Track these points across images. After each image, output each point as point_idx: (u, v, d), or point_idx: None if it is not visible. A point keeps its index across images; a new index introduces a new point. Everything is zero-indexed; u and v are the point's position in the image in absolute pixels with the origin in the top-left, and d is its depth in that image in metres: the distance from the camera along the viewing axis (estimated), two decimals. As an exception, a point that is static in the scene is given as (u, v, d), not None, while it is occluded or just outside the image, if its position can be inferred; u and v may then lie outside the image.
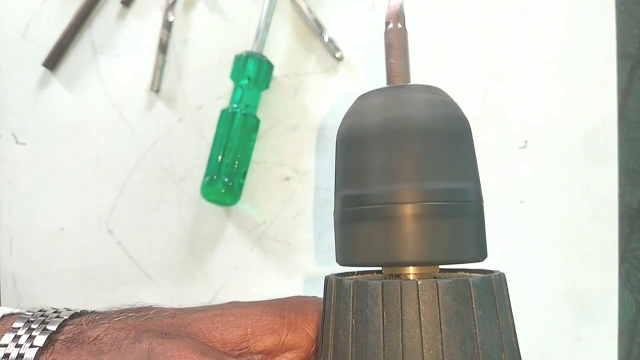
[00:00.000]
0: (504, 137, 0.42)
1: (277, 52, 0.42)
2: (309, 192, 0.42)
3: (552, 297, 0.41)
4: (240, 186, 0.40)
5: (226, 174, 0.39)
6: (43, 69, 0.43)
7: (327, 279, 0.22)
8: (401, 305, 0.19)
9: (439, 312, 0.19)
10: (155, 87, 0.42)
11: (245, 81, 0.40)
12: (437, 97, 0.21)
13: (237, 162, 0.39)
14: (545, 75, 0.42)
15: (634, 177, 0.42)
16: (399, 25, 0.23)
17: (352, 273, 0.24)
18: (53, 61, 0.42)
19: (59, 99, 0.43)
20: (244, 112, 0.40)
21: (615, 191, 0.41)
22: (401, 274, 0.21)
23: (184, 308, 0.26)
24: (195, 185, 0.42)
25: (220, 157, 0.39)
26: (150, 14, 0.43)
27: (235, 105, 0.40)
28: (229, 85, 0.41)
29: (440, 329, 0.19)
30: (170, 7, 0.42)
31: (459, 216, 0.20)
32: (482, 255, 0.21)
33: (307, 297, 0.27)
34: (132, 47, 0.43)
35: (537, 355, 0.41)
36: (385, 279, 0.21)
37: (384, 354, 0.19)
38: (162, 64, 0.42)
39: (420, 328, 0.19)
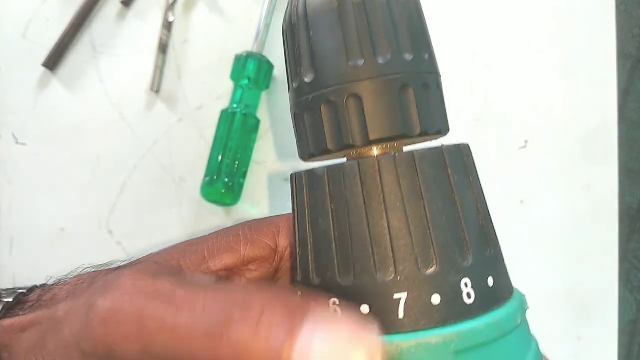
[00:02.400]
0: (504, 137, 0.42)
1: (277, 52, 0.42)
2: (309, 192, 0.42)
3: (552, 297, 0.41)
4: (241, 186, 0.40)
5: (226, 174, 0.39)
6: (43, 69, 0.43)
7: (295, 175, 0.22)
8: (381, 180, 0.19)
9: (419, 181, 0.19)
10: (155, 87, 0.42)
11: (246, 81, 0.40)
12: None
13: (237, 162, 0.39)
14: (545, 75, 0.42)
15: (634, 177, 0.42)
16: None
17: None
18: (53, 61, 0.42)
19: (59, 99, 0.43)
20: (244, 112, 0.40)
21: (615, 191, 0.41)
22: (368, 155, 0.20)
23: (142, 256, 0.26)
24: (195, 185, 0.42)
25: (220, 157, 0.39)
26: (150, 14, 0.43)
27: (235, 106, 0.40)
28: (229, 85, 0.41)
29: (422, 197, 0.19)
30: (170, 7, 0.42)
31: (422, 88, 0.20)
32: (446, 127, 0.21)
33: (263, 217, 0.27)
34: (132, 47, 0.43)
35: (537, 355, 0.41)
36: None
37: (369, 231, 0.19)
38: (162, 64, 0.42)
39: (403, 199, 0.19)
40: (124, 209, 0.43)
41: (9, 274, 0.43)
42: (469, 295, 0.18)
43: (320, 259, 0.20)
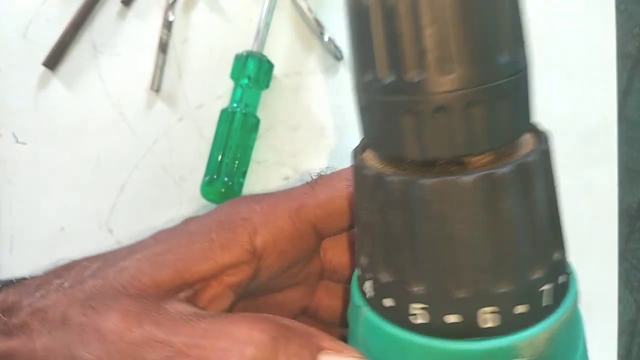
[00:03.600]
0: (504, 136, 0.42)
1: (277, 51, 0.42)
2: (309, 192, 0.42)
3: (552, 297, 0.41)
4: (241, 185, 0.40)
5: (226, 174, 0.39)
6: (43, 68, 0.43)
7: (407, 182, 0.18)
8: (497, 197, 0.19)
9: (529, 194, 0.20)
10: (156, 87, 0.42)
11: (246, 80, 0.40)
12: None
13: (237, 162, 0.39)
14: (544, 75, 0.42)
15: (634, 177, 0.42)
16: None
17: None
18: (53, 61, 0.42)
19: (59, 99, 0.43)
20: (244, 111, 0.40)
21: (615, 191, 0.41)
22: (466, 160, 0.19)
23: (110, 256, 0.24)
24: (196, 185, 0.42)
25: (220, 157, 0.39)
26: (151, 13, 0.43)
27: (235, 105, 0.40)
28: (229, 84, 0.41)
29: (528, 207, 0.20)
30: (171, 6, 0.42)
31: (521, 90, 0.18)
32: (534, 116, 0.21)
33: (235, 207, 0.25)
34: (132, 47, 0.43)
35: (537, 355, 0.41)
36: (446, 173, 0.18)
37: (492, 247, 0.19)
38: (162, 63, 0.42)
39: (518, 211, 0.19)
40: (124, 209, 0.43)
41: (9, 274, 0.43)
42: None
43: (433, 276, 0.19)
